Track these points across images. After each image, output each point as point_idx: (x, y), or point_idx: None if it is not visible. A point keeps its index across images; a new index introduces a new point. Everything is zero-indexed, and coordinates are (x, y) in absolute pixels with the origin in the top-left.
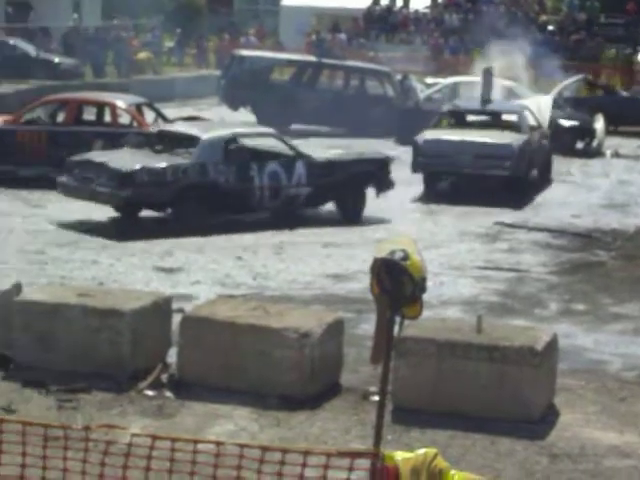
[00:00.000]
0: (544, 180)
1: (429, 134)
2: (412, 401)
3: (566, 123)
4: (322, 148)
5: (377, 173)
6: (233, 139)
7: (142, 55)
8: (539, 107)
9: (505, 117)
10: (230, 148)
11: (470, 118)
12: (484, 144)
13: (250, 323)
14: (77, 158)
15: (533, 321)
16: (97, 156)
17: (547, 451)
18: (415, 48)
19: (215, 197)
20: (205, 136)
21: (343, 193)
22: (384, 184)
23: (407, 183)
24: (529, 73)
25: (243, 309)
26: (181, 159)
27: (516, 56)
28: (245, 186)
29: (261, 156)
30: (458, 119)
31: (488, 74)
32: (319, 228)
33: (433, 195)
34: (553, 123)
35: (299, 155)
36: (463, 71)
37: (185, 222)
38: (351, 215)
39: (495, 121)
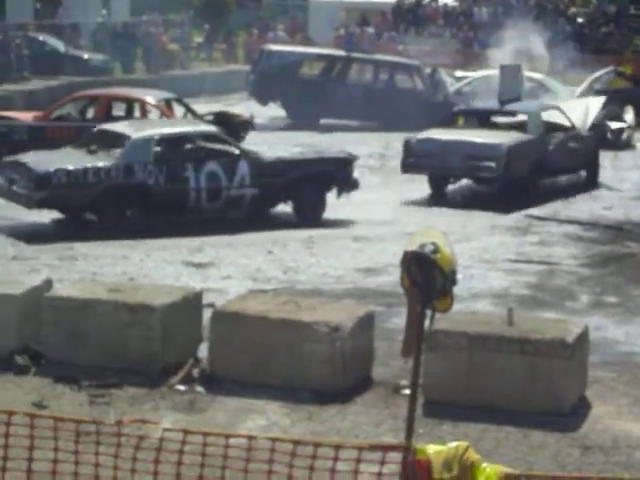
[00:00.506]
0: (589, 184)
1: (422, 133)
2: (443, 394)
3: (614, 125)
4: (284, 146)
5: (338, 173)
6: (166, 138)
7: (172, 46)
8: (587, 108)
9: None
10: (162, 148)
11: (493, 118)
12: (472, 144)
13: (281, 317)
14: (9, 159)
15: (564, 314)
16: (24, 156)
17: (579, 443)
18: (444, 41)
19: (144, 200)
20: (134, 135)
21: (298, 194)
22: (345, 185)
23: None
24: (547, 61)
25: (274, 303)
26: (109, 160)
27: (532, 44)
28: (178, 188)
29: (199, 156)
30: (472, 119)
31: (509, 71)
32: (349, 222)
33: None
34: (600, 124)
35: (243, 154)
36: (493, 64)
37: (109, 225)
38: (308, 218)
39: (511, 121)
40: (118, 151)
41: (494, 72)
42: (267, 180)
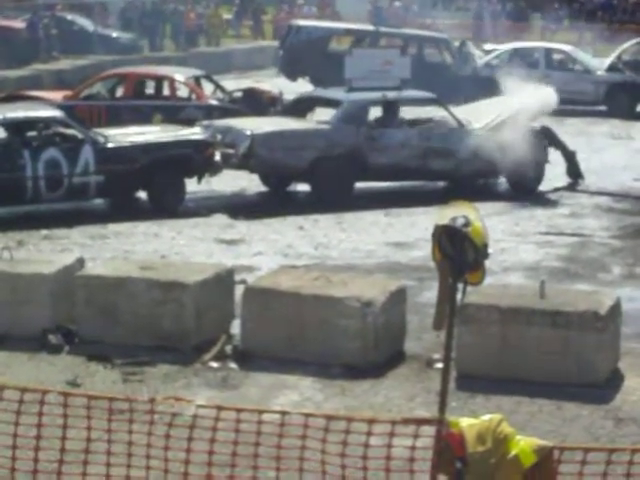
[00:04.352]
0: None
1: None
2: (476, 368)
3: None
4: (144, 129)
5: (195, 157)
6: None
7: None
8: (502, 107)
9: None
10: None
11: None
12: (231, 129)
13: (313, 293)
14: None
15: (596, 285)
16: None
17: (612, 415)
18: (473, 15)
19: None
20: None
21: (151, 181)
22: (205, 169)
23: None
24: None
25: (305, 279)
26: None
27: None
28: (13, 176)
29: (37, 142)
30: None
31: (360, 55)
32: (380, 198)
33: None
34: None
35: (88, 139)
36: (521, 37)
37: None
38: (165, 206)
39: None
40: None
41: (523, 44)
42: (114, 166)
